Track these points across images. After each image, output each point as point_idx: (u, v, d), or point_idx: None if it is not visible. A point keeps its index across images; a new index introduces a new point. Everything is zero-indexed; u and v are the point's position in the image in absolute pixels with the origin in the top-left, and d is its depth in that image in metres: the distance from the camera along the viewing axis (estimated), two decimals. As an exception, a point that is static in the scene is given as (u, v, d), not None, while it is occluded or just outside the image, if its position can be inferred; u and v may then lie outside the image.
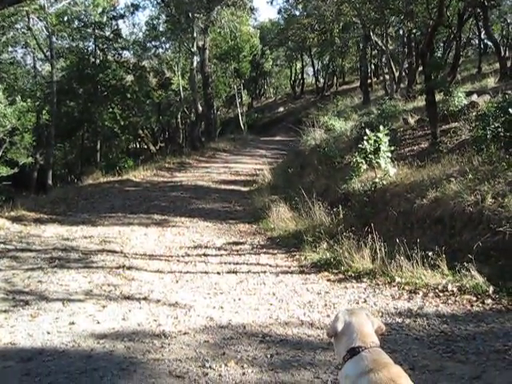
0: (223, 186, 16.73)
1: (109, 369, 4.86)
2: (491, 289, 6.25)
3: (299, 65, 52.59)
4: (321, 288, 7.15)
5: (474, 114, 11.93)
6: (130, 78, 32.63)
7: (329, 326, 3.18)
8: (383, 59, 29.20)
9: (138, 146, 39.48)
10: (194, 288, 7.32)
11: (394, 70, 24.42)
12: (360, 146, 10.67)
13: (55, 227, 11.26)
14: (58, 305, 6.64)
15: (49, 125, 25.23)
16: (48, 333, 5.76)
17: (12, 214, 12.22)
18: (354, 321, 3.09)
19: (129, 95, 31.60)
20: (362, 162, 10.68)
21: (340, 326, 3.07)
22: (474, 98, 13.88)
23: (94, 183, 18.28)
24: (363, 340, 2.98)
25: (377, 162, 10.43)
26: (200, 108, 30.39)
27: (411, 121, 14.95)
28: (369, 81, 32.67)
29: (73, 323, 6.01)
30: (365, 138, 10.53)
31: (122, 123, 31.48)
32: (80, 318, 6.16)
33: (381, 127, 10.65)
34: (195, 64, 29.74)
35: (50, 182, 24.54)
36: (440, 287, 6.54)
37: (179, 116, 34.94)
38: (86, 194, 15.68)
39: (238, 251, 9.23)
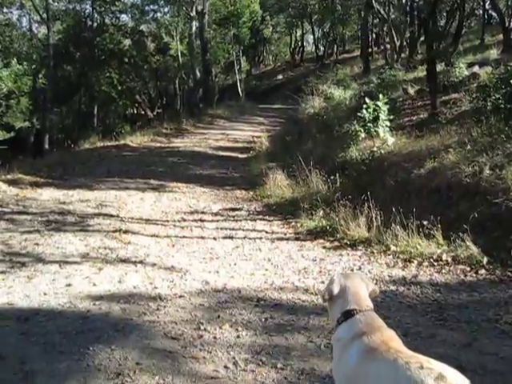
0: (220, 153, 16.69)
1: (105, 330, 4.90)
2: (485, 259, 6.30)
3: (299, 32, 51.97)
4: (316, 255, 7.20)
5: (474, 85, 11.85)
6: (127, 42, 32.25)
7: (324, 289, 3.18)
8: (385, 28, 28.80)
9: (135, 111, 39.18)
10: (189, 252, 7.36)
11: (396, 39, 24.12)
12: (359, 114, 10.66)
13: (52, 191, 11.26)
14: (54, 267, 6.67)
15: (45, 89, 25.03)
16: (45, 294, 5.79)
17: (8, 177, 12.19)
18: (349, 284, 3.09)
19: (126, 60, 31.29)
20: (360, 131, 10.69)
21: (336, 289, 3.07)
22: (476, 69, 13.79)
23: (91, 148, 18.22)
24: (358, 303, 2.99)
25: (375, 131, 10.43)
26: (198, 74, 30.17)
27: (411, 91, 14.86)
28: (369, 50, 32.36)
29: (69, 285, 6.05)
30: (364, 106, 10.50)
31: (120, 88, 31.17)
32: (76, 280, 6.20)
33: (380, 96, 10.61)
34: (194, 29, 29.45)
35: (46, 146, 24.46)
36: (435, 257, 6.59)
37: (177, 82, 34.60)
38: (83, 158, 15.64)
39: (234, 217, 9.25)
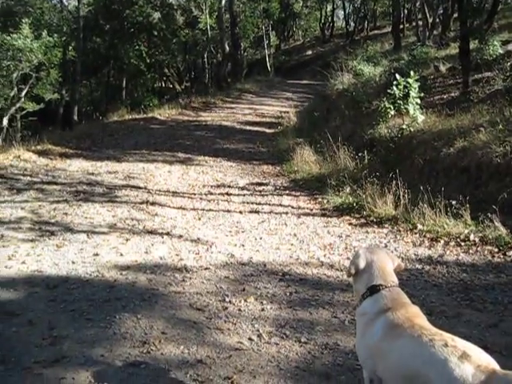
0: (248, 127, 16.64)
1: (131, 299, 4.98)
2: None
3: (330, 7, 51.19)
4: (342, 231, 7.18)
5: (509, 63, 11.58)
6: (156, 15, 32.08)
7: (350, 264, 3.19)
8: (417, 4, 28.26)
9: (163, 84, 39.22)
10: (215, 225, 7.40)
11: (428, 15, 23.63)
12: (389, 91, 10.52)
13: (80, 162, 11.38)
14: (82, 236, 6.77)
15: (75, 61, 25.10)
16: (73, 262, 5.89)
17: (38, 147, 12.33)
18: (375, 258, 3.11)
19: (155, 33, 31.21)
20: (390, 108, 10.55)
21: (362, 264, 3.09)
22: (511, 47, 13.47)
23: (119, 120, 18.30)
24: (384, 278, 3.03)
25: (405, 108, 10.29)
26: (227, 48, 29.98)
27: (442, 68, 14.60)
28: (401, 26, 31.76)
29: (97, 254, 6.14)
30: (394, 83, 10.35)
31: (148, 61, 31.19)
32: (104, 250, 6.29)
33: (411, 72, 10.45)
34: (223, 3, 29.20)
35: (75, 117, 24.64)
36: (462, 237, 6.52)
37: (206, 56, 34.46)
38: (111, 130, 15.73)
39: (260, 192, 9.26)
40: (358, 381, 3.73)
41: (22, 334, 4.27)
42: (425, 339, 2.66)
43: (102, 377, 3.71)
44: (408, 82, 10.24)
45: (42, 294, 5.09)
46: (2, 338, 4.21)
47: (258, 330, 4.43)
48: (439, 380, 2.49)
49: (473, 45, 13.71)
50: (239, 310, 4.83)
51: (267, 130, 16.02)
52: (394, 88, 10.27)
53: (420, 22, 26.30)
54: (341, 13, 54.04)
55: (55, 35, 20.32)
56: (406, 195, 7.51)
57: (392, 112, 10.63)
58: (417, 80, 10.36)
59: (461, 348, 2.55)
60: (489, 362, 2.50)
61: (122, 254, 6.17)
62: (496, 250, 6.17)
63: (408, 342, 2.74)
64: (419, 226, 7.00)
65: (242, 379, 3.74)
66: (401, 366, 2.74)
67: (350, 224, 7.51)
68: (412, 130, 10.15)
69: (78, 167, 10.84)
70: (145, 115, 18.87)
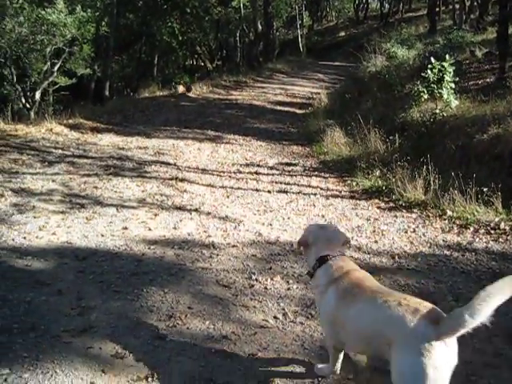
0: (278, 107, 16.56)
1: (158, 273, 5.03)
2: None
3: (365, -12, 50.62)
4: (370, 214, 7.13)
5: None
6: (190, -8, 32.02)
7: (300, 238, 3.51)
8: (454, -14, 27.74)
9: (194, 62, 39.16)
10: (244, 204, 7.41)
11: (466, -2, 23.23)
12: (423, 74, 10.36)
13: (111, 136, 11.47)
14: (112, 210, 6.85)
15: (108, 36, 25.14)
16: (102, 235, 5.96)
17: (70, 121, 12.44)
18: (323, 233, 3.44)
19: (188, 10, 31.07)
20: (423, 92, 10.41)
21: (311, 238, 3.41)
22: (552, 33, 13.14)
23: (150, 96, 18.37)
24: (331, 249, 3.34)
25: (439, 93, 10.13)
26: (259, 27, 29.82)
27: (478, 53, 14.33)
28: (437, 9, 31.15)
29: (125, 228, 6.20)
30: (429, 66, 10.18)
31: (180, 38, 31.12)
32: (132, 224, 6.35)
33: (447, 56, 10.25)
34: (257, -19, 28.97)
35: (107, 93, 24.75)
36: (492, 224, 6.43)
37: (238, 34, 34.26)
38: (142, 106, 15.80)
39: (289, 172, 9.23)
40: (382, 362, 3.73)
41: (51, 303, 4.35)
42: (379, 301, 2.92)
43: (128, 348, 3.77)
44: (443, 66, 10.07)
45: (72, 264, 5.17)
46: (33, 306, 4.29)
47: (284, 309, 4.45)
48: (399, 336, 2.75)
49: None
50: (265, 288, 4.84)
51: (298, 111, 15.94)
52: (429, 71, 10.10)
53: (457, 5, 25.76)
54: (376, -6, 53.20)
55: (89, 10, 20.37)
56: (437, 180, 7.42)
57: (425, 96, 10.48)
58: (452, 64, 10.18)
59: (413, 305, 2.82)
60: (438, 313, 2.81)
61: (150, 229, 6.22)
62: (527, 239, 6.11)
63: (363, 306, 3.00)
64: (449, 212, 6.92)
65: (266, 356, 3.76)
66: (361, 330, 3.02)
67: (379, 207, 7.46)
68: (445, 114, 10.01)
69: (108, 142, 10.92)
70: (175, 92, 18.89)
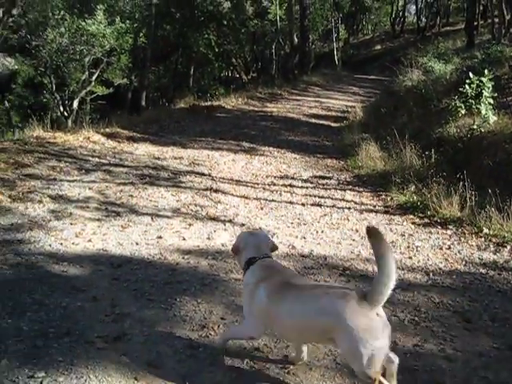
0: (313, 120, 16.56)
1: (192, 283, 5.05)
2: None
3: (401, 2, 50.33)
4: (405, 230, 7.06)
5: None
6: (226, 4, 32.20)
7: (233, 245, 3.83)
8: (493, 0, 27.36)
9: (229, 74, 39.47)
10: (278, 216, 7.41)
11: (505, 12, 22.83)
12: (461, 89, 10.26)
13: (147, 146, 11.59)
14: (147, 219, 6.91)
15: (145, 47, 25.52)
16: (137, 243, 6.02)
17: (107, 130, 12.62)
18: (252, 239, 3.78)
19: (225, 22, 31.35)
20: (460, 107, 10.31)
21: (242, 243, 3.74)
22: None
23: (186, 107, 18.53)
24: (258, 253, 3.65)
25: (477, 108, 10.03)
26: (295, 40, 29.89)
27: (518, 68, 14.14)
28: (475, 23, 30.84)
29: (160, 237, 6.25)
30: (467, 81, 10.09)
31: (217, 50, 31.41)
32: (167, 233, 6.40)
33: (485, 71, 10.14)
34: (294, -6, 29.07)
35: (143, 103, 25.11)
36: (530, 244, 6.33)
37: (273, 47, 34.38)
38: (178, 116, 15.95)
39: (323, 185, 9.20)
40: (416, 380, 3.69)
41: (86, 309, 4.40)
42: (307, 295, 3.29)
43: (160, 356, 3.79)
44: (481, 81, 9.97)
45: (107, 272, 5.23)
46: (68, 311, 4.35)
47: (317, 323, 4.42)
48: (337, 321, 3.06)
49: (553, 45, 13.23)
50: (299, 301, 4.82)
51: (332, 124, 15.91)
52: (467, 86, 10.02)
53: (496, 19, 25.44)
54: (412, 8, 53.04)
55: (128, 21, 20.71)
56: (473, 197, 7.32)
57: (462, 111, 10.38)
58: (490, 79, 10.06)
59: (339, 291, 3.25)
60: (362, 290, 3.21)
61: (184, 239, 6.26)
62: None
63: (292, 302, 3.29)
64: (485, 230, 6.81)
65: (298, 370, 3.74)
66: (295, 323, 3.31)
67: (413, 223, 7.38)
68: (483, 130, 9.90)
69: (144, 151, 11.04)
70: (211, 103, 19.04)
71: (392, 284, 3.01)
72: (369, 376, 3.06)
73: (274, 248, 3.87)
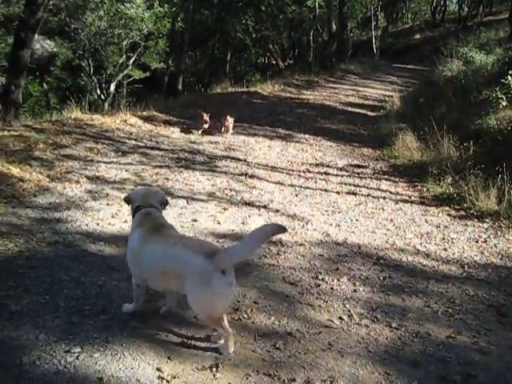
0: (350, 109, 16.44)
1: (236, 268, 5.09)
2: None
3: (443, -10, 49.42)
4: (440, 221, 7.00)
5: None
6: (265, -10, 32.13)
7: (125, 196, 4.29)
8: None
9: (266, 60, 39.33)
10: (312, 203, 7.40)
11: (551, 2, 22.31)
12: (503, 80, 10.06)
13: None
14: (182, 202, 6.97)
15: (183, 32, 25.58)
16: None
17: (144, 113, 12.67)
18: (142, 191, 4.28)
19: (263, 8, 31.21)
20: (502, 98, 10.11)
21: (133, 195, 4.15)
22: None
23: (222, 92, 18.56)
24: (144, 202, 4.02)
25: (519, 100, 9.82)
26: (334, 27, 29.63)
27: (562, 60, 13.76)
28: (519, 13, 30.09)
29: (195, 220, 6.30)
30: (509, 72, 9.88)
31: (254, 36, 31.35)
32: (202, 217, 6.44)
33: (529, 62, 9.92)
34: (334, -19, 28.79)
35: (179, 87, 25.20)
36: None
37: (311, 34, 34.16)
38: (214, 102, 15.96)
39: (359, 174, 9.15)
40: (448, 372, 3.67)
41: (121, 288, 4.47)
42: (169, 243, 3.65)
43: (194, 337, 3.83)
44: (524, 72, 9.76)
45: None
46: (104, 290, 4.43)
47: (349, 311, 4.43)
48: (185, 271, 3.49)
49: None
50: (331, 288, 4.83)
51: (369, 113, 15.78)
52: (509, 77, 9.82)
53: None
54: (454, -4, 51.87)
55: (166, 5, 20.80)
56: (511, 191, 7.22)
57: (504, 103, 10.18)
58: (534, 70, 9.85)
59: (196, 244, 3.69)
60: (215, 248, 3.62)
61: (219, 223, 6.30)
62: None
63: (155, 247, 3.67)
64: (522, 224, 6.73)
65: (329, 357, 3.75)
66: (154, 266, 3.69)
67: (449, 215, 7.31)
68: (524, 123, 9.70)
69: (180, 135, 11.10)
70: (247, 89, 19.03)
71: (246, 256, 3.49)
72: (208, 319, 3.65)
73: (165, 202, 4.26)
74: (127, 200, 4.17)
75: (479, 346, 4.04)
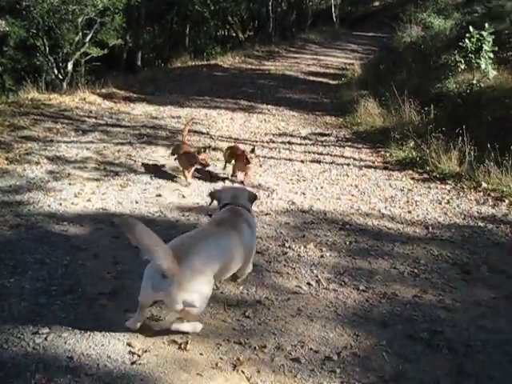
0: (311, 78, 16.44)
1: (194, 238, 5.05)
2: None
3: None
4: (404, 185, 7.10)
5: None
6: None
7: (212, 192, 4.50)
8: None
9: (226, 33, 38.88)
10: (277, 173, 7.43)
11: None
12: (460, 44, 10.10)
13: (144, 106, 11.50)
14: (145, 178, 6.88)
15: (139, 6, 25.05)
16: (136, 202, 6.01)
17: (103, 91, 12.47)
18: (231, 193, 4.29)
19: (220, -21, 30.82)
20: (460, 62, 10.17)
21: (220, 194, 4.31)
22: None
23: (182, 66, 18.35)
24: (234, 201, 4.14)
25: (476, 63, 9.89)
26: (293, -3, 29.45)
27: (519, 23, 13.92)
28: (475, -23, 30.26)
29: (159, 195, 6.25)
30: (467, 35, 9.92)
31: (212, 8, 30.89)
32: (166, 192, 6.40)
33: (486, 25, 9.97)
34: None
35: (139, 63, 24.82)
36: (529, 198, 6.38)
37: (270, 4, 33.80)
38: (174, 76, 15.79)
39: (322, 142, 9.19)
40: (415, 330, 3.74)
41: (87, 267, 4.42)
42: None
43: (163, 311, 3.81)
44: (481, 35, 9.81)
45: (107, 230, 5.22)
46: (70, 269, 4.37)
47: (317, 276, 4.47)
48: None
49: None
50: (299, 255, 4.86)
51: (331, 81, 15.81)
52: (467, 41, 9.86)
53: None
54: (412, -38, 51.79)
55: (120, -21, 20.33)
56: (472, 152, 7.37)
57: (462, 66, 10.25)
58: (491, 33, 9.91)
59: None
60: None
61: (184, 196, 6.27)
62: None
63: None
64: (484, 185, 6.88)
65: (299, 322, 3.79)
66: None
67: (413, 178, 7.43)
68: (482, 85, 9.80)
69: (141, 111, 10.96)
70: (208, 62, 18.86)
71: None
72: None
73: (252, 197, 4.30)
74: (213, 196, 4.34)
75: (445, 303, 4.13)
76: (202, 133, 9.39)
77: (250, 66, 18.46)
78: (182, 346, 3.45)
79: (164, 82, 14.75)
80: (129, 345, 3.44)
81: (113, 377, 3.14)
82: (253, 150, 6.73)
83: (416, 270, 4.65)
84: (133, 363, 3.27)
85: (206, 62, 18.79)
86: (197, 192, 6.44)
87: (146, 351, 3.39)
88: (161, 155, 7.94)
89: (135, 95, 12.54)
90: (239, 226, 3.85)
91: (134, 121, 10.06)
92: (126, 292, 4.06)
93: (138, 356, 3.34)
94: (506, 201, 6.42)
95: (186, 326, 3.56)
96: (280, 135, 9.53)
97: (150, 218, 5.55)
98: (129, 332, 3.55)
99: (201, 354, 3.39)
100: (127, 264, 4.51)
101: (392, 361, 3.41)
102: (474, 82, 9.86)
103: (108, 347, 3.41)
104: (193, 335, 3.55)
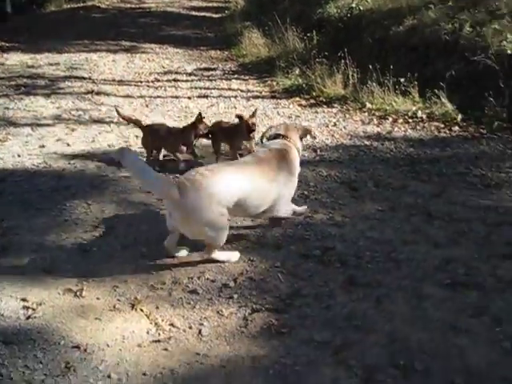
0: (194, 13, 16.18)
1: (81, 186, 4.93)
2: (459, 117, 6.47)
3: None
4: (292, 112, 7.23)
5: None
6: None
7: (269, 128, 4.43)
8: None
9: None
10: (164, 111, 7.34)
11: None
12: (337, -33, 10.18)
13: (18, 55, 10.91)
14: (26, 130, 6.60)
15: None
16: (18, 155, 5.76)
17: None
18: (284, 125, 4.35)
19: None
20: (339, -16, 10.27)
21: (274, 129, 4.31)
22: None
23: (58, 10, 17.44)
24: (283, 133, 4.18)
25: (355, -14, 10.03)
26: None
27: None
28: None
29: (43, 146, 6.02)
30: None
31: None
32: (50, 142, 6.17)
33: None
34: None
35: (9, 9, 23.17)
36: (410, 114, 6.74)
37: None
38: (50, 21, 15.03)
39: (208, 77, 9.13)
40: (308, 248, 3.85)
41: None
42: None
43: (55, 262, 3.71)
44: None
45: (-11, 187, 4.98)
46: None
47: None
48: None
49: None
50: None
51: (214, 15, 15.63)
52: (343, -37, 9.94)
53: None
54: None
55: None
56: (355, 74, 7.60)
57: (341, -11, 10.37)
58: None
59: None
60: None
61: (68, 145, 6.07)
62: (442, 125, 6.43)
63: None
64: (368, 105, 7.14)
65: (194, 256, 3.79)
66: None
67: (300, 105, 7.56)
68: (361, 8, 9.98)
69: (16, 61, 10.39)
70: (84, 4, 18.03)
71: None
72: None
73: (305, 132, 4.40)
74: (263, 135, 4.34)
75: (335, 220, 4.28)
76: (84, 78, 9.07)
77: (129, 6, 17.86)
78: (78, 293, 3.38)
79: (39, 29, 13.97)
80: (23, 300, 3.32)
81: (8, 334, 3.03)
82: (253, 114, 5.43)
83: (306, 192, 4.78)
84: (28, 318, 3.16)
85: (82, 4, 17.96)
86: (81, 139, 6.24)
87: (40, 304, 3.29)
88: (41, 105, 7.59)
89: (8, 44, 11.85)
90: (276, 169, 3.88)
91: (8, 72, 9.54)
92: (15, 247, 3.90)
93: (33, 310, 3.24)
94: (390, 119, 6.72)
95: (220, 255, 3.71)
96: (165, 73, 9.38)
97: (34, 171, 5.34)
98: (21, 288, 3.43)
99: (97, 299, 3.34)
100: (14, 219, 4.33)
101: (287, 280, 3.50)
102: (354, 5, 10.03)
103: (0, 305, 3.29)
104: (88, 281, 3.48)
